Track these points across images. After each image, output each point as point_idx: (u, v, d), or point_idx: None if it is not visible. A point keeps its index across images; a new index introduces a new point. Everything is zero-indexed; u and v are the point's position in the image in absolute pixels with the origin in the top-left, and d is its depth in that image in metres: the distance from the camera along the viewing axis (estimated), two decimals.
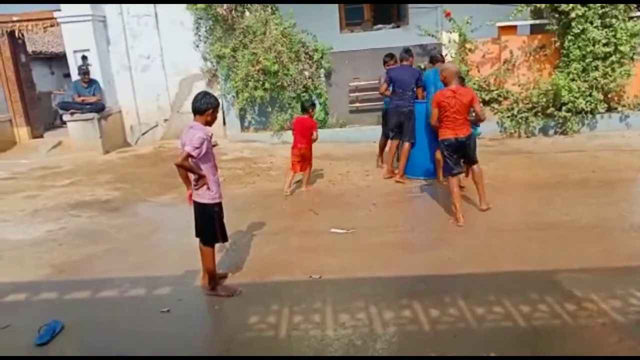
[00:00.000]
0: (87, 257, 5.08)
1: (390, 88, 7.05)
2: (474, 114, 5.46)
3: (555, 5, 8.67)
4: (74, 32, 10.13)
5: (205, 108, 3.90)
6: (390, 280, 4.23)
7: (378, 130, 8.10)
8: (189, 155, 3.81)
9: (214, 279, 4.15)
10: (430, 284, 4.12)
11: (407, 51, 7.22)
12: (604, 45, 8.69)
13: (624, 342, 3.21)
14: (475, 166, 5.68)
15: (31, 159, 9.85)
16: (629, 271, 4.14)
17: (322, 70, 10.01)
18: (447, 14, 9.56)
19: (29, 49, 13.82)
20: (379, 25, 12.02)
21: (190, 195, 4.07)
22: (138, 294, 4.24)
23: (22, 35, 10.86)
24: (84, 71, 10.02)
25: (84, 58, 10.20)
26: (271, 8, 9.86)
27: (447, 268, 4.36)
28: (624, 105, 9.21)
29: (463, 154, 5.53)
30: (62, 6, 9.95)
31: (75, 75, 10.23)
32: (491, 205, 5.69)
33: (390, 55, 7.47)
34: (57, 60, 17.95)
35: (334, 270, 4.41)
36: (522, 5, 9.00)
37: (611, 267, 4.21)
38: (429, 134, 6.65)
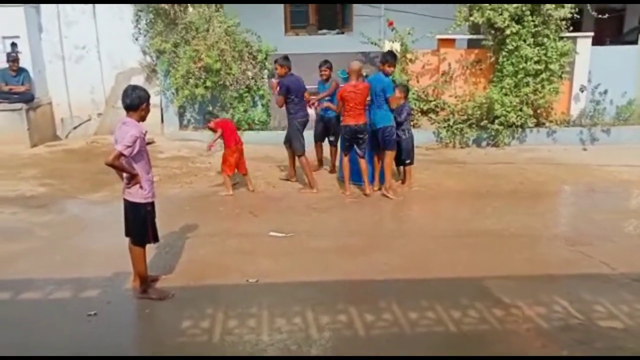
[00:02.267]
0: (7, 255, 4.77)
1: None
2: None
3: (492, 21, 9.04)
4: (4, 17, 9.50)
5: (138, 103, 3.79)
6: (327, 285, 4.24)
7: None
8: (121, 154, 3.66)
9: (145, 281, 4.01)
10: (366, 288, 4.17)
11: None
12: (536, 62, 9.14)
13: (547, 347, 3.38)
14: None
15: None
16: (552, 279, 4.36)
17: (266, 71, 9.95)
18: (390, 24, 9.75)
19: None
20: (324, 30, 12.13)
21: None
22: (63, 296, 4.03)
23: None
24: (12, 58, 9.42)
25: (14, 45, 9.60)
26: (215, 5, 9.69)
27: (383, 273, 4.43)
28: (551, 121, 9.71)
29: (358, 139, 6.49)
30: None
31: (2, 63, 9.60)
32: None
33: (325, 62, 7.53)
34: None
35: (272, 274, 4.38)
36: (461, 19, 9.32)
37: (537, 274, 4.43)
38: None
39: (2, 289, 4.13)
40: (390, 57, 6.63)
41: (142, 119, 3.86)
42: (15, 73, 9.48)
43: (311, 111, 7.36)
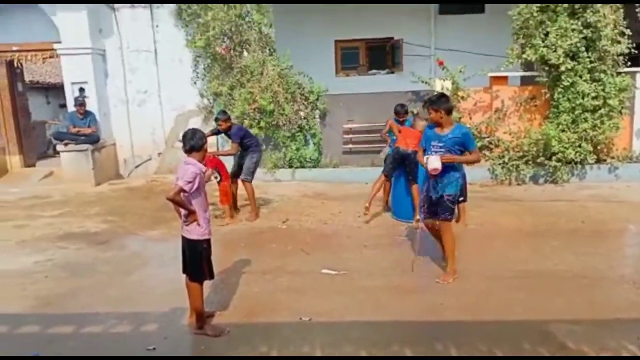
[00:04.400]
0: (72, 290, 4.99)
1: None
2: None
3: (546, 58, 8.92)
4: (73, 64, 10.24)
5: (201, 144, 3.99)
6: (380, 325, 4.18)
7: (371, 171, 8.19)
8: (181, 190, 3.82)
9: (201, 317, 4.09)
10: (421, 329, 4.08)
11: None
12: (593, 98, 8.91)
13: None
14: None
15: (22, 188, 9.77)
16: (620, 323, 4.12)
17: (317, 111, 10.15)
18: (440, 63, 9.80)
19: (27, 78, 13.89)
20: (374, 71, 12.30)
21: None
22: (123, 330, 4.16)
23: (21, 64, 10.95)
24: (80, 102, 10.08)
25: (81, 90, 10.27)
26: (269, 49, 10.07)
27: (438, 314, 4.33)
28: (612, 157, 9.37)
29: (405, 164, 6.87)
30: (63, 38, 10.09)
31: (71, 106, 10.28)
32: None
33: (402, 106, 7.97)
34: (53, 90, 18.03)
35: (324, 313, 4.36)
36: (513, 57, 9.25)
37: (602, 319, 4.20)
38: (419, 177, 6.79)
39: (66, 322, 4.30)
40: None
41: (203, 159, 4.04)
42: (83, 116, 10.11)
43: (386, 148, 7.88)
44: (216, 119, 7.32)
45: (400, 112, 7.82)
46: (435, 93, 5.19)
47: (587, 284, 4.90)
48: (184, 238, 4.05)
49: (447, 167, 4.89)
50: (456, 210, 6.97)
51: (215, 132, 7.46)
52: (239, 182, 7.52)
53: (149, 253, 6.26)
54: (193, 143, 3.97)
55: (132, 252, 6.31)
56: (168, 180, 8.93)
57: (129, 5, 10.52)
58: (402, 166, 6.97)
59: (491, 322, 4.17)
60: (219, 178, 7.03)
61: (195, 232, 3.99)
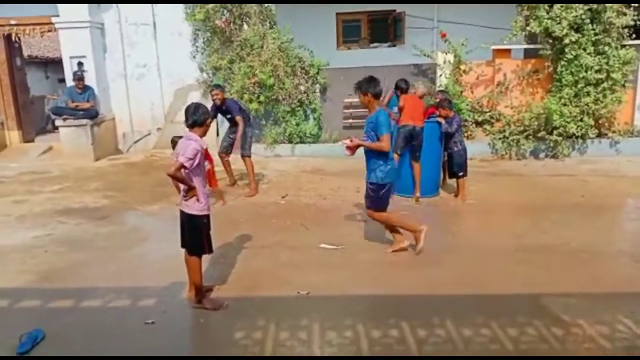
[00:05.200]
0: (72, 264, 5.01)
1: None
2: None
3: (550, 30, 8.79)
4: (71, 38, 10.13)
5: (204, 119, 3.95)
6: (378, 299, 4.21)
7: None
8: (182, 166, 3.79)
9: (200, 291, 4.10)
10: (418, 303, 4.10)
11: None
12: (596, 71, 8.81)
13: None
14: None
15: (21, 163, 9.76)
16: (616, 297, 4.14)
17: (318, 85, 10.07)
18: (443, 35, 9.67)
19: (25, 52, 13.76)
20: (376, 44, 12.13)
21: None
22: (122, 304, 4.18)
23: (19, 39, 10.83)
24: (78, 77, 10.00)
25: (80, 64, 10.18)
26: (269, 22, 9.93)
27: (436, 288, 4.34)
28: (614, 132, 9.31)
29: (413, 142, 6.75)
30: (61, 12, 9.94)
31: (70, 81, 10.20)
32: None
33: (405, 81, 7.29)
34: (52, 65, 17.86)
35: (322, 287, 4.38)
36: (517, 29, 9.11)
37: (599, 292, 4.21)
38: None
39: (66, 296, 4.32)
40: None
41: (204, 134, 4.00)
42: (81, 90, 10.03)
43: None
44: (211, 91, 7.28)
45: (403, 88, 7.18)
46: (366, 77, 4.92)
47: (586, 259, 4.91)
48: (183, 212, 4.04)
49: (370, 153, 4.86)
50: (455, 185, 7.02)
51: (214, 115, 7.20)
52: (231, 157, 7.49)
53: (148, 228, 6.27)
54: (196, 118, 3.93)
55: (132, 227, 6.32)
56: (167, 155, 8.88)
57: None
58: (410, 143, 6.80)
59: (489, 296, 4.19)
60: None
61: (195, 208, 3.98)
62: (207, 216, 4.09)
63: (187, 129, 3.97)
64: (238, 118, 7.09)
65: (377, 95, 4.80)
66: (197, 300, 4.10)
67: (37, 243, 5.61)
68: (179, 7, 10.29)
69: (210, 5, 9.65)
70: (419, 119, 6.72)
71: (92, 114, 9.95)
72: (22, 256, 5.22)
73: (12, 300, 4.27)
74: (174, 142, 6.95)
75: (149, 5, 10.44)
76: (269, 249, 5.33)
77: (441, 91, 8.00)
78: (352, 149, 4.92)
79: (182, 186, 3.96)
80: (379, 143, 4.74)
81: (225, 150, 7.50)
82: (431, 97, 8.36)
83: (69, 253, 5.32)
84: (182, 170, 3.83)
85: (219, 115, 7.60)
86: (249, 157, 7.35)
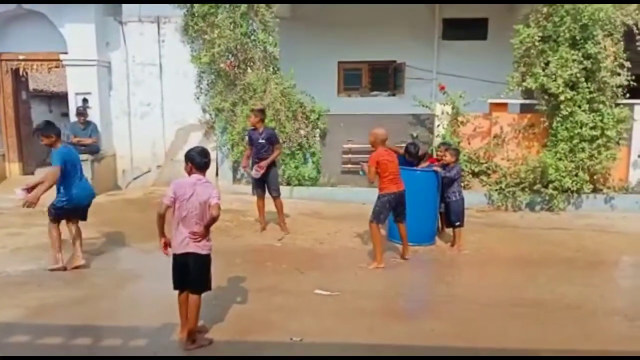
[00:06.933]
0: (64, 300, 4.97)
1: None
2: None
3: (545, 87, 9.01)
4: (78, 76, 10.31)
5: (209, 163, 4.15)
6: (372, 348, 4.17)
7: (369, 191, 8.16)
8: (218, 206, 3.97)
9: (194, 332, 4.08)
10: (413, 354, 4.06)
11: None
12: (591, 128, 8.97)
13: None
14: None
15: (19, 195, 9.73)
16: (607, 356, 4.12)
17: (318, 130, 10.21)
18: (442, 87, 9.90)
19: (30, 86, 13.96)
20: (376, 92, 12.41)
21: (166, 244, 4.11)
22: (113, 344, 4.14)
23: (26, 73, 11.03)
24: (80, 112, 10.12)
25: (85, 100, 10.34)
26: (273, 68, 10.17)
27: (432, 339, 4.32)
28: (609, 187, 9.41)
29: (399, 206, 6.28)
30: (70, 49, 10.18)
31: (73, 116, 10.33)
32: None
33: (414, 145, 7.36)
34: (56, 99, 18.10)
35: (316, 333, 4.35)
36: (514, 84, 9.35)
37: (594, 350, 4.20)
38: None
39: (56, 334, 4.28)
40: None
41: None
42: (84, 126, 10.14)
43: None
44: (255, 115, 7.38)
45: (412, 153, 7.11)
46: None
47: (580, 315, 4.90)
48: (189, 254, 4.03)
49: None
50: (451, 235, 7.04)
51: (250, 143, 7.49)
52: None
53: (141, 266, 6.24)
54: (205, 161, 4.10)
55: (126, 264, 6.31)
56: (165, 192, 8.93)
57: (136, 19, 10.65)
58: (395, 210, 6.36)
59: (483, 350, 4.16)
60: None
61: (205, 247, 4.08)
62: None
63: (195, 171, 4.06)
64: (277, 146, 7.38)
65: None
66: (191, 340, 4.06)
67: (30, 277, 5.57)
68: (185, 50, 10.55)
69: (216, 49, 9.89)
70: (400, 181, 6.24)
71: (93, 150, 10.03)
72: (14, 290, 5.18)
73: (1, 334, 4.22)
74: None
75: (156, 46, 10.71)
76: (264, 292, 5.30)
77: (444, 143, 8.07)
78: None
79: (197, 227, 3.99)
80: None
81: (263, 194, 7.60)
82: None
83: (62, 288, 5.28)
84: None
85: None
86: (279, 197, 7.55)
